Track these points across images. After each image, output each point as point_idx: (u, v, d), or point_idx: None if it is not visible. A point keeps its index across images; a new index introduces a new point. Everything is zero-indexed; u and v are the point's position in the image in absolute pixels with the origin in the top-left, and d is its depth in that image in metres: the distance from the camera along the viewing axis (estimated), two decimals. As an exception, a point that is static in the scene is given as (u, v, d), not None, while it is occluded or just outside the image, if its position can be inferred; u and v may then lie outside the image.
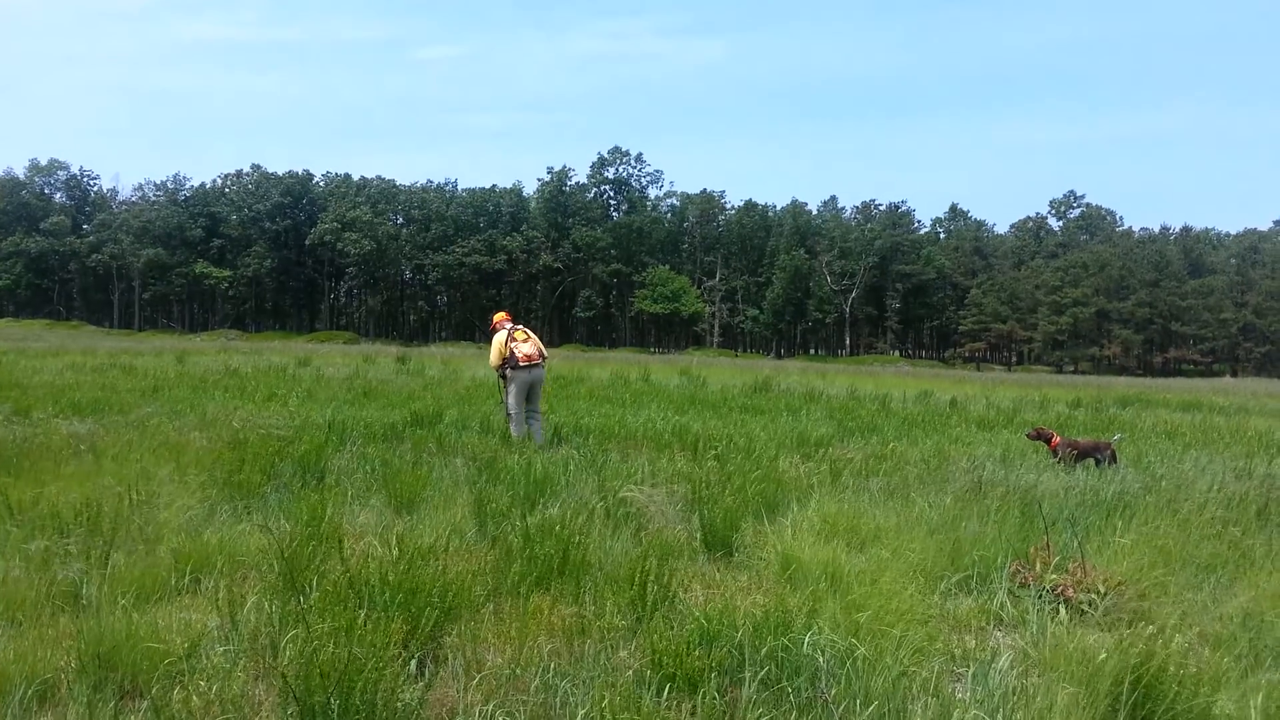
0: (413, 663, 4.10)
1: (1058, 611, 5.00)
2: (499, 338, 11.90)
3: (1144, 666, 4.02)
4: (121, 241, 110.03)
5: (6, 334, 64.39)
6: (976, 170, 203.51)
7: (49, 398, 14.12)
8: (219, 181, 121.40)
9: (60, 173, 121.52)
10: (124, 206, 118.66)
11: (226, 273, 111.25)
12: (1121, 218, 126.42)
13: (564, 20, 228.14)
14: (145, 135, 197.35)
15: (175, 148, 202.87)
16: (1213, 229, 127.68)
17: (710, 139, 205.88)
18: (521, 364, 11.70)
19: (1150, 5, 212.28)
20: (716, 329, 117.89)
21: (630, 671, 4.10)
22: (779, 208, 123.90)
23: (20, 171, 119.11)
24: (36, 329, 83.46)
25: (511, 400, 11.71)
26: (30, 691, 3.80)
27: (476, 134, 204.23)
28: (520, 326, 12.14)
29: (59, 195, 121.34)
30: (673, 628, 4.44)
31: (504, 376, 11.88)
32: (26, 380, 17.96)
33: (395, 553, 5.06)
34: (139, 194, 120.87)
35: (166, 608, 4.81)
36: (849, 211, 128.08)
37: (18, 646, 4.16)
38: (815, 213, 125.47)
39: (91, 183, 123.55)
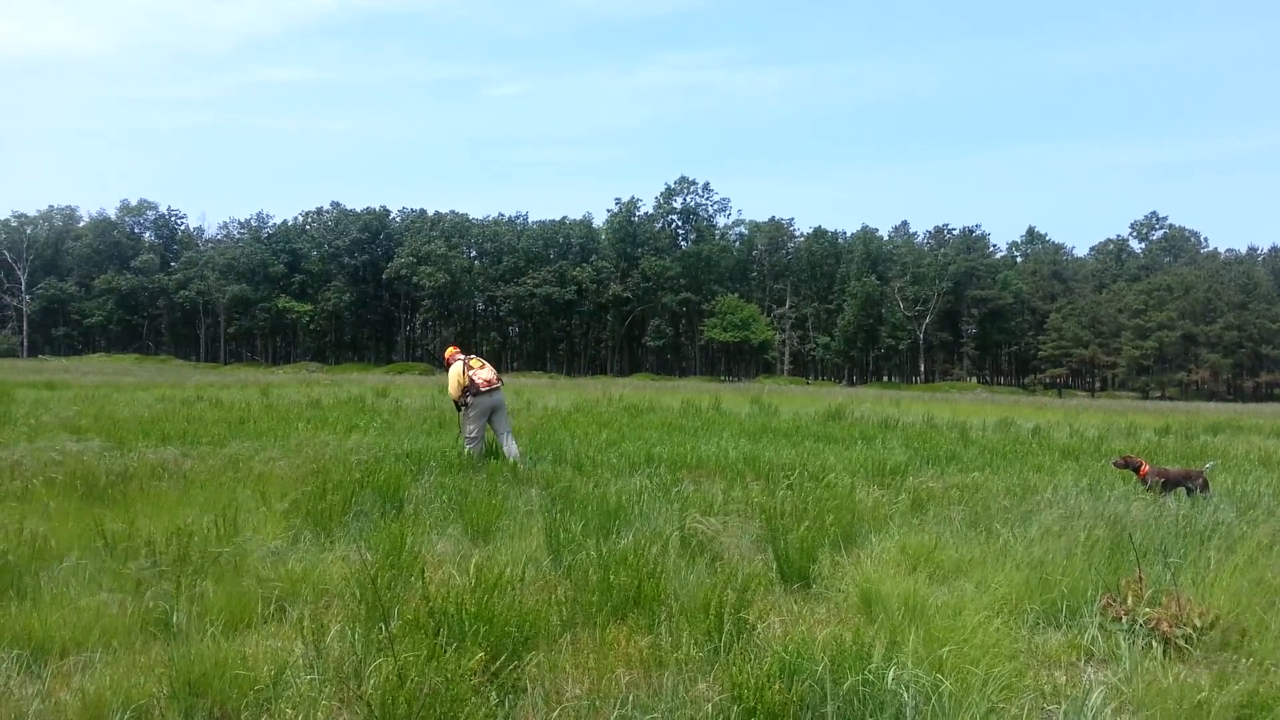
0: (493, 692, 4.12)
1: (1151, 646, 4.82)
2: (456, 368, 12.30)
3: (1247, 705, 3.85)
4: (207, 278, 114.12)
5: (99, 368, 67.01)
6: (1054, 193, 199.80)
7: (140, 430, 14.63)
8: (300, 219, 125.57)
9: (149, 213, 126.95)
10: (210, 244, 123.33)
11: (307, 307, 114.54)
12: (1206, 239, 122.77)
13: (632, 54, 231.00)
14: (230, 175, 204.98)
15: (258, 186, 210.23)
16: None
17: (778, 167, 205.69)
18: (482, 389, 12.12)
19: (1235, 27, 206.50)
20: (787, 357, 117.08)
21: (710, 704, 4.05)
22: (849, 234, 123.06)
23: (112, 212, 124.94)
24: (127, 363, 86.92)
25: (472, 426, 12.14)
26: (126, 717, 3.91)
27: (546, 167, 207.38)
28: (474, 356, 12.54)
29: (148, 234, 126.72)
30: (751, 660, 4.38)
31: (463, 405, 12.27)
32: (119, 413, 18.63)
33: (473, 582, 5.10)
34: (224, 232, 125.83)
35: (254, 635, 4.92)
36: (921, 236, 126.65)
37: (113, 673, 4.29)
38: (886, 238, 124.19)
39: (179, 222, 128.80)
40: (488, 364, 12.53)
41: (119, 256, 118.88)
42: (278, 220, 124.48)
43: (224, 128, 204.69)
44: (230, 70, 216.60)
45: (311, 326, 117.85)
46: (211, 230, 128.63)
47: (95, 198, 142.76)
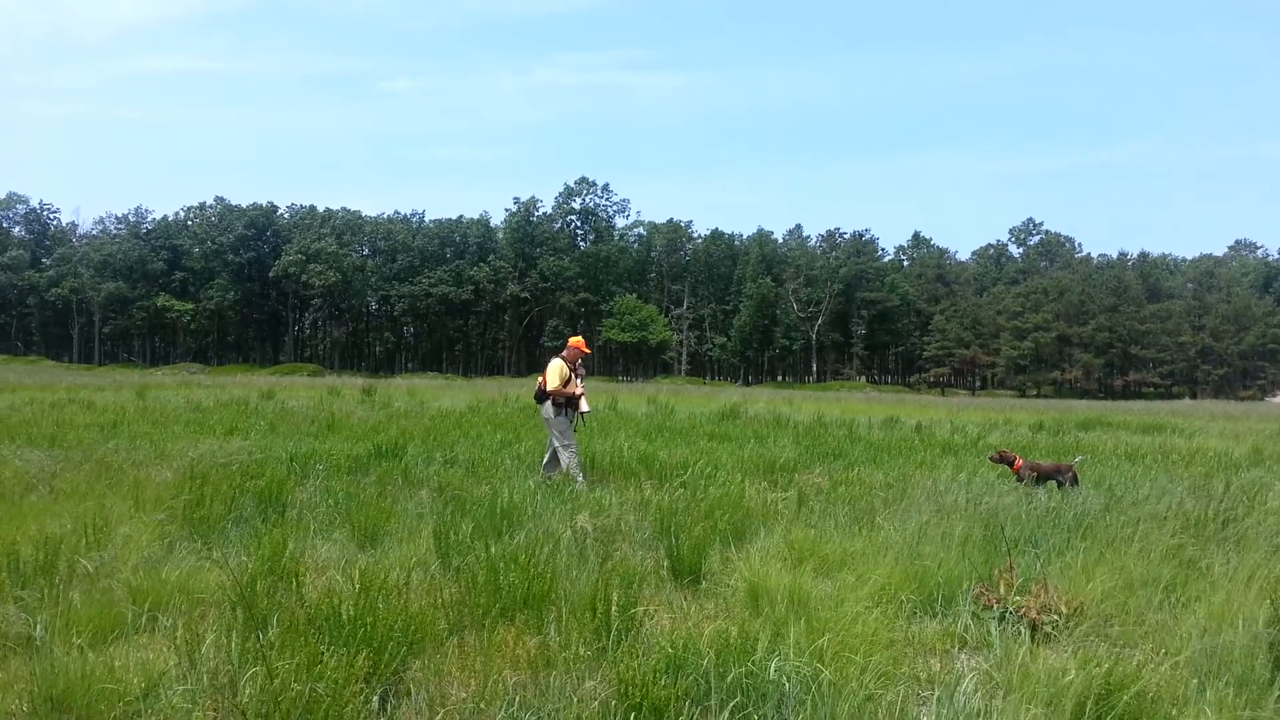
0: (375, 699, 4.05)
1: (1021, 633, 5.04)
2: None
3: (1106, 686, 4.07)
4: (81, 275, 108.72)
5: (-38, 370, 63.13)
6: (938, 199, 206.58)
7: (4, 433, 13.85)
8: (181, 214, 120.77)
9: (19, 206, 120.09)
10: (84, 240, 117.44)
11: (189, 306, 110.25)
12: (1080, 244, 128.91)
13: (530, 52, 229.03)
14: (108, 168, 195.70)
15: (138, 181, 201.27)
16: (1169, 255, 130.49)
17: (676, 170, 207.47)
18: None
19: (1106, 43, 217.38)
20: (684, 357, 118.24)
21: (596, 702, 4.07)
22: (745, 236, 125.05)
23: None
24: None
25: None
26: (-20, 736, 3.71)
27: (443, 166, 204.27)
28: (567, 352, 11.42)
29: (18, 229, 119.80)
30: (639, 657, 4.42)
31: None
32: (-19, 417, 17.59)
33: (357, 587, 5.00)
34: (100, 227, 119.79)
35: (123, 647, 4.72)
36: (814, 240, 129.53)
37: (-33, 690, 4.06)
38: (781, 241, 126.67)
39: (51, 216, 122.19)
40: (549, 367, 11.23)
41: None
42: (158, 215, 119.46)
43: (101, 119, 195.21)
44: (108, 59, 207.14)
45: (193, 326, 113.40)
46: (86, 225, 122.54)
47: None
